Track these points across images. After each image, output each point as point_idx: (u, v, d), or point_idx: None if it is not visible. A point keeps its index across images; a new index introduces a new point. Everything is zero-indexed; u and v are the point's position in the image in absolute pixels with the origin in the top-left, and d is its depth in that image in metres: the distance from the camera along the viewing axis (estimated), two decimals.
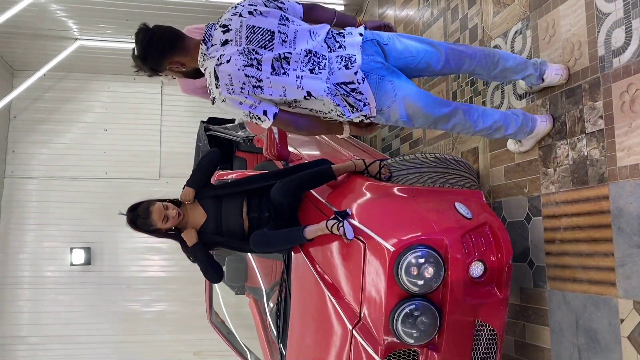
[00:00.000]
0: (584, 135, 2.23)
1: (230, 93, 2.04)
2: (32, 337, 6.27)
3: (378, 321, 2.37)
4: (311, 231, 2.61)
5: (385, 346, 2.36)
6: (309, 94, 2.10)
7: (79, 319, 6.36)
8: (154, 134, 6.66)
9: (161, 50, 2.13)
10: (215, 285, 4.45)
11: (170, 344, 6.52)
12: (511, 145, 2.73)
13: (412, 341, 2.33)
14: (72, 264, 6.32)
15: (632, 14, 2.00)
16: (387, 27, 2.47)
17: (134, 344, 6.44)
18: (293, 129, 2.26)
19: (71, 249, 6.31)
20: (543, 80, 2.42)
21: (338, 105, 2.17)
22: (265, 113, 2.10)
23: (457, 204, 2.53)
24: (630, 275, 1.98)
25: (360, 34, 2.18)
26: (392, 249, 2.31)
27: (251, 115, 2.11)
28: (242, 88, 2.04)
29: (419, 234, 2.34)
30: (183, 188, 2.84)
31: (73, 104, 6.64)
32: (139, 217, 2.65)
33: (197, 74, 2.24)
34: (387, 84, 2.16)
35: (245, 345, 4.21)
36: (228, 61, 2.04)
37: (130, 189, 6.34)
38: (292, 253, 3.07)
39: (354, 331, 2.48)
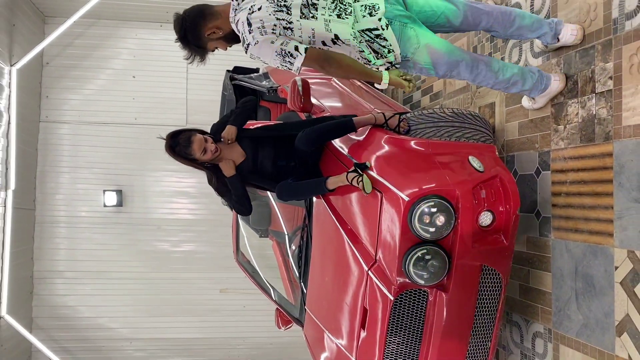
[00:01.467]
0: (594, 94, 2.35)
1: (262, 34, 2.18)
2: (68, 272, 6.72)
3: (392, 263, 2.60)
4: (332, 182, 2.80)
5: (398, 286, 2.59)
6: (336, 36, 2.23)
7: (111, 257, 6.77)
8: (181, 82, 6.83)
9: (194, 23, 2.29)
10: (242, 227, 4.73)
11: (198, 282, 6.93)
12: (525, 102, 2.85)
13: (422, 282, 2.55)
14: (105, 205, 6.68)
15: None
16: None
17: (163, 280, 6.85)
18: (327, 64, 2.28)
19: (104, 191, 6.65)
20: (558, 39, 2.51)
21: (362, 51, 2.30)
22: (296, 48, 2.19)
23: (470, 158, 2.69)
24: (627, 227, 2.14)
25: None
26: (406, 198, 2.49)
27: (283, 53, 2.20)
28: (273, 29, 2.18)
29: (433, 185, 2.52)
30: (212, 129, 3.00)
31: (102, 50, 6.81)
32: (180, 144, 2.77)
33: (236, 37, 2.37)
34: (410, 31, 2.27)
35: (269, 284, 4.52)
36: (259, 9, 2.18)
37: (152, 135, 6.59)
38: (314, 199, 3.29)
39: (369, 272, 2.72)
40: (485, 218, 2.59)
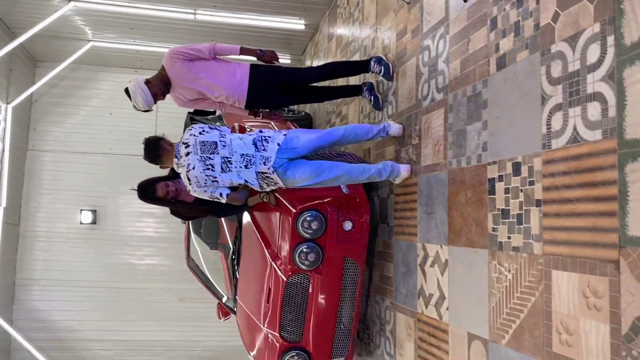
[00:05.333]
0: (411, 146, 3.63)
1: (199, 187, 3.37)
2: (43, 280, 7.74)
3: (285, 255, 3.83)
4: (251, 200, 4.03)
5: (289, 270, 3.82)
6: (246, 181, 3.43)
7: (84, 268, 7.84)
8: (151, 119, 8.05)
9: (152, 161, 3.45)
10: (194, 239, 5.90)
11: (159, 291, 8.02)
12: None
13: (305, 267, 3.79)
14: (81, 223, 7.78)
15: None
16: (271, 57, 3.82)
17: (129, 289, 7.93)
18: (237, 199, 3.56)
19: (80, 210, 7.76)
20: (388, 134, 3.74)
21: (259, 185, 3.44)
22: (221, 195, 3.40)
23: (342, 185, 3.96)
24: (422, 229, 3.41)
25: (278, 144, 3.37)
26: (294, 210, 3.75)
27: (212, 197, 3.40)
28: (205, 182, 3.35)
29: (311, 202, 3.78)
30: None
31: (84, 91, 8.03)
32: (147, 192, 3.69)
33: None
34: (289, 173, 3.38)
35: (213, 283, 5.69)
36: (194, 167, 3.30)
37: (130, 164, 7.75)
38: (243, 217, 4.53)
39: (272, 262, 3.95)
40: (347, 224, 3.87)
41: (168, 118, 8.03)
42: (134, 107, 3.67)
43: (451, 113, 3.09)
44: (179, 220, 5.86)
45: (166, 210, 4.50)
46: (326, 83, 5.17)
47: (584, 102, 2.05)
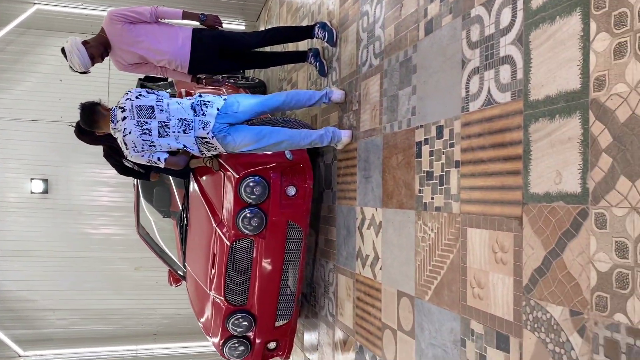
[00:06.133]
0: (352, 112, 3.67)
1: (136, 152, 3.33)
2: None
3: (229, 220, 3.86)
4: (194, 163, 4.03)
5: (233, 235, 3.86)
6: (184, 145, 3.41)
7: (36, 238, 7.72)
8: (103, 87, 7.86)
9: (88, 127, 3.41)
10: (144, 206, 5.87)
11: (115, 261, 7.98)
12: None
13: (248, 232, 3.83)
14: (31, 192, 7.62)
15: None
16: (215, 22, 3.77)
17: (84, 259, 7.86)
18: (176, 164, 3.48)
19: (31, 179, 7.59)
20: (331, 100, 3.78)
21: (199, 150, 3.45)
22: (159, 159, 3.37)
23: (286, 151, 3.99)
24: (361, 193, 3.48)
25: (218, 109, 3.34)
26: (237, 176, 3.77)
27: (150, 161, 3.37)
28: (142, 147, 3.32)
29: (254, 168, 3.81)
30: None
31: (32, 56, 7.76)
32: (85, 130, 3.71)
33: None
34: (229, 138, 3.38)
35: (164, 250, 5.70)
36: (130, 132, 3.27)
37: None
38: (191, 184, 4.53)
39: (216, 227, 3.97)
40: (291, 189, 3.91)
41: (120, 85, 7.84)
42: (70, 67, 3.60)
43: (386, 78, 3.13)
44: (133, 190, 5.83)
45: (121, 179, 4.49)
46: (278, 48, 5.13)
47: (497, 65, 2.11)
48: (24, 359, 6.85)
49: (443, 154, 2.49)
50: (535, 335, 1.87)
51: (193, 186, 4.50)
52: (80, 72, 3.65)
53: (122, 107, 3.33)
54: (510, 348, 2.00)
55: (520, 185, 1.96)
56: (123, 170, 4.45)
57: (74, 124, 3.89)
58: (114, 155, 4.26)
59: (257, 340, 4.16)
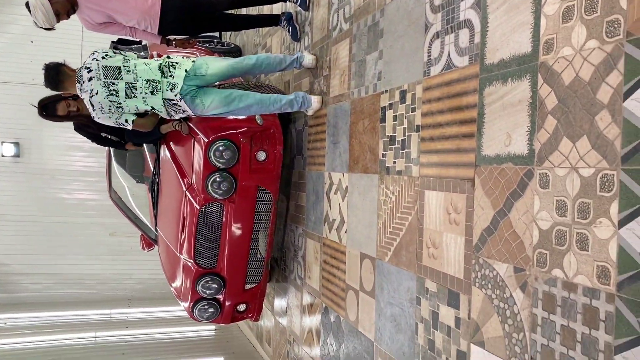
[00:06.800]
0: (322, 77, 3.68)
1: (103, 114, 3.29)
2: None
3: (198, 184, 3.88)
4: (164, 128, 4.01)
5: (202, 199, 3.88)
6: (152, 107, 3.37)
7: (9, 201, 7.63)
8: (76, 48, 7.69)
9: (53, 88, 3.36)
10: (117, 171, 5.84)
11: (90, 226, 7.94)
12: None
13: (217, 196, 3.85)
14: (2, 156, 7.50)
15: None
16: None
17: (58, 223, 7.81)
18: (144, 125, 3.49)
19: (2, 142, 7.46)
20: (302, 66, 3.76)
21: (167, 112, 3.43)
22: (126, 120, 3.36)
23: (256, 116, 3.99)
24: (329, 158, 3.51)
25: (186, 70, 3.28)
26: (206, 139, 3.77)
27: (118, 123, 3.35)
28: (109, 109, 3.28)
29: (224, 132, 3.80)
30: None
31: (1, 16, 7.53)
32: (48, 110, 3.71)
33: None
34: (197, 100, 3.35)
35: (136, 215, 5.70)
36: (97, 93, 3.23)
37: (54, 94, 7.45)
38: (161, 148, 4.50)
39: (186, 191, 3.98)
40: (261, 155, 3.92)
41: (94, 48, 7.68)
42: (34, 23, 3.51)
43: (355, 43, 3.14)
44: (105, 153, 5.77)
45: (95, 144, 4.46)
46: (254, 11, 5.07)
47: (457, 29, 2.14)
48: None
49: (405, 118, 2.52)
50: (483, 292, 1.94)
51: (164, 151, 4.48)
52: (45, 29, 3.56)
53: (88, 68, 3.28)
54: (460, 305, 2.08)
55: (474, 148, 2.01)
56: (98, 140, 4.40)
57: (37, 105, 3.76)
58: (85, 128, 4.20)
59: (227, 303, 4.23)
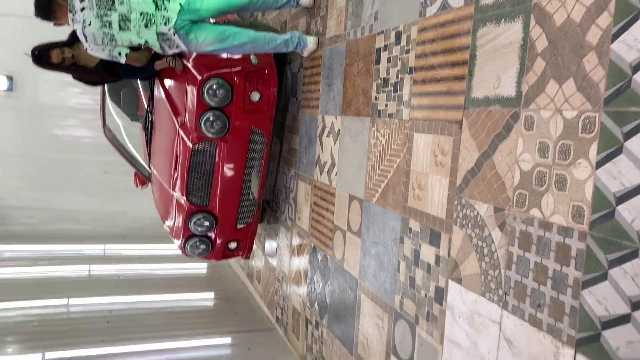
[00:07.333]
0: (319, 18, 3.61)
1: (96, 46, 3.22)
2: None
3: (192, 123, 3.87)
4: (158, 64, 3.96)
5: (195, 138, 3.89)
6: (146, 41, 3.29)
7: (3, 136, 7.61)
8: None
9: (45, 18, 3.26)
10: (111, 108, 5.81)
11: (85, 164, 7.96)
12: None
13: (211, 135, 3.86)
14: None
15: None
16: None
17: (53, 160, 7.82)
18: (138, 59, 3.42)
19: None
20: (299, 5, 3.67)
21: (160, 47, 3.34)
22: (119, 53, 3.28)
23: (251, 55, 3.94)
24: (323, 101, 3.51)
25: (180, 4, 3.19)
26: (200, 77, 3.74)
27: (111, 55, 3.27)
28: (102, 41, 3.21)
29: (218, 70, 3.77)
30: None
31: None
32: (41, 58, 3.63)
33: None
34: (191, 35, 3.28)
35: (131, 153, 5.72)
36: (90, 24, 3.15)
37: (49, 27, 7.29)
38: (155, 84, 4.47)
39: (179, 129, 3.99)
40: (255, 95, 3.91)
41: None
42: None
43: None
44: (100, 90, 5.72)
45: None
46: None
47: None
48: None
49: (399, 60, 2.51)
50: (463, 231, 2.00)
51: (157, 88, 4.45)
52: None
53: None
54: (441, 243, 2.14)
55: (464, 90, 2.02)
56: (96, 83, 4.37)
57: (30, 52, 3.65)
58: (82, 74, 4.06)
59: (218, 240, 4.31)
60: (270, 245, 4.80)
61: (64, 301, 4.78)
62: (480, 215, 1.90)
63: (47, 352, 3.76)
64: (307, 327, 3.79)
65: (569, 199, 1.53)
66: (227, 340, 4.21)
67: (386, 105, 2.63)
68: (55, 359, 3.74)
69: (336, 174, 3.27)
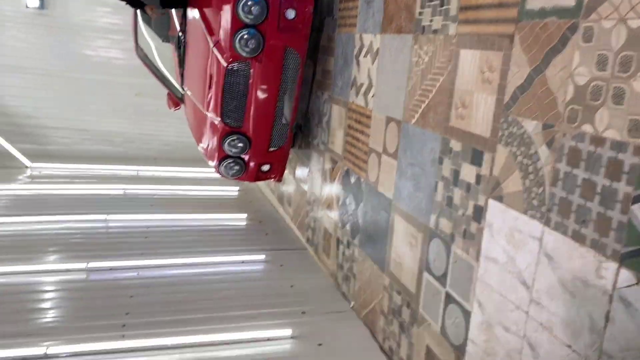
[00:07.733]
0: None
1: None
2: None
3: (226, 41, 3.82)
4: None
5: (230, 56, 3.84)
6: None
7: (35, 55, 7.63)
8: None
9: None
10: (143, 29, 5.76)
11: (116, 86, 8.00)
12: None
13: (245, 54, 3.81)
14: (27, 7, 7.38)
15: None
16: None
17: (85, 80, 7.87)
18: None
19: None
20: None
21: None
22: None
23: None
24: (361, 19, 3.40)
25: None
26: None
27: None
28: None
29: None
30: None
31: None
32: None
33: None
34: None
35: (163, 73, 5.71)
36: None
37: None
38: (188, 4, 4.39)
39: (213, 48, 3.94)
40: (290, 12, 3.81)
41: None
42: None
43: None
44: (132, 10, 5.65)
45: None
46: None
47: None
48: (31, 169, 7.17)
49: None
50: (507, 149, 1.97)
51: (191, 7, 4.37)
52: None
53: None
54: (483, 162, 2.12)
55: (518, 2, 1.92)
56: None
57: None
58: None
59: (251, 162, 4.36)
60: (301, 169, 4.84)
61: (102, 217, 4.95)
62: (527, 133, 1.86)
63: (90, 262, 3.94)
64: (338, 247, 3.88)
65: (626, 112, 1.48)
66: (261, 257, 4.35)
67: (431, 21, 2.54)
68: (98, 268, 3.92)
69: (373, 96, 3.23)
